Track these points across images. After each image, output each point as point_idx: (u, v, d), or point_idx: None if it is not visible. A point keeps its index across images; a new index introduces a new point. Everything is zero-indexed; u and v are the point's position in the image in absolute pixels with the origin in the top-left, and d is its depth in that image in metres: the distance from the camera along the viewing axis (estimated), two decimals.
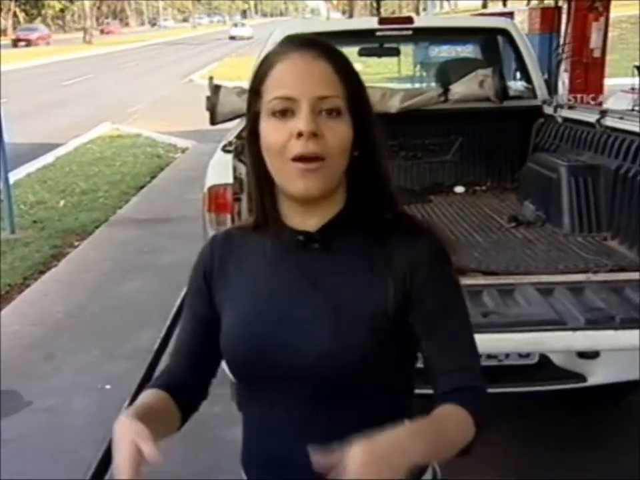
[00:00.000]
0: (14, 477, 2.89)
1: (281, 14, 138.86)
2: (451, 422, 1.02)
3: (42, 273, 5.45)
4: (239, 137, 2.88)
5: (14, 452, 3.10)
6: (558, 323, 2.37)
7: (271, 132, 1.06)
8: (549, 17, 7.43)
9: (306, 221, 1.11)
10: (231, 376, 1.17)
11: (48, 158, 9.92)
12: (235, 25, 55.71)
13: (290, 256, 1.11)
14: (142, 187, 8.28)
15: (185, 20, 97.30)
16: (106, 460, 3.17)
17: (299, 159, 1.03)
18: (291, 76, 1.05)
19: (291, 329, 1.08)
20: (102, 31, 67.78)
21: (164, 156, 10.18)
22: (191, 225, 5.88)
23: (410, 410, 1.14)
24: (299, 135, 1.03)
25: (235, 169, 2.68)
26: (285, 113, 1.04)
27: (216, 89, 4.15)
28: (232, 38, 45.71)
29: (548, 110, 4.12)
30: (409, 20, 4.53)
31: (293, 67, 1.05)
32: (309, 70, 1.05)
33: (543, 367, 2.60)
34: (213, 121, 4.22)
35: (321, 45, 1.08)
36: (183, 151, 10.57)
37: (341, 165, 1.07)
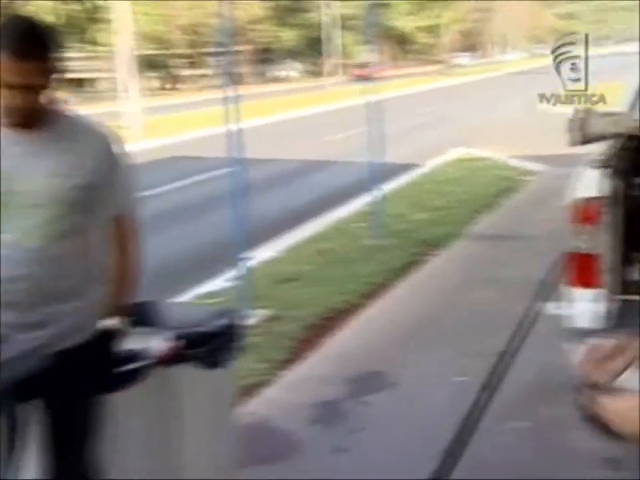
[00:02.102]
0: (373, 450, 3.40)
1: None
2: None
3: (399, 277, 6.05)
4: (608, 155, 3.02)
5: (377, 426, 3.60)
6: None
7: None
8: None
9: None
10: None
11: (407, 177, 10.88)
12: None
13: None
14: (490, 206, 8.63)
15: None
16: (454, 452, 3.46)
17: None
18: None
19: None
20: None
21: (513, 178, 10.41)
22: (538, 243, 6.06)
23: None
24: None
25: (601, 184, 2.83)
26: None
27: (579, 111, 4.27)
28: None
29: None
30: None
31: None
32: None
33: None
34: (575, 143, 4.33)
35: None
36: (533, 174, 10.70)
37: None
